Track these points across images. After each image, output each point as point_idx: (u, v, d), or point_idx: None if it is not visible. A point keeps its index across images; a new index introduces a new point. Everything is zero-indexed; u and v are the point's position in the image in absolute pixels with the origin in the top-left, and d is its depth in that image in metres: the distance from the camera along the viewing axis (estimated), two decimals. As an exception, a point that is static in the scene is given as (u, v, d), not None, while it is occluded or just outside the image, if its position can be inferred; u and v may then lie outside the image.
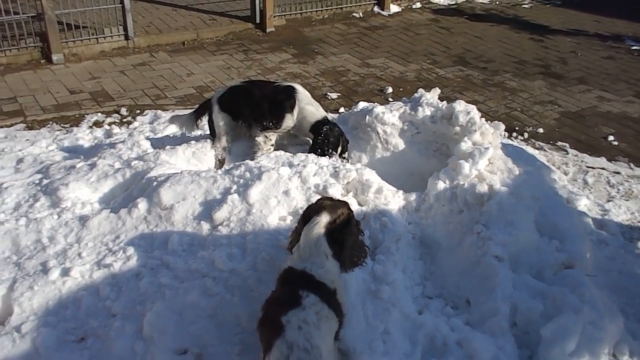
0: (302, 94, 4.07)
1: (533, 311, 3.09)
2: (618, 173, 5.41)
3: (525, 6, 10.74)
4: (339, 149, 4.02)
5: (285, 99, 4.02)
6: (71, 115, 6.19)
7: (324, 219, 2.65)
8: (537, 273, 3.44)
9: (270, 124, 4.04)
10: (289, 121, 4.03)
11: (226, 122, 4.13)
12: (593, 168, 5.49)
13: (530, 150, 5.58)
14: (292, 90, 4.06)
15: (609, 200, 4.90)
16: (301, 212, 3.27)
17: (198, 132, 4.77)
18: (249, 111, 4.09)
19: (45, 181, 3.85)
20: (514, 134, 6.12)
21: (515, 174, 3.85)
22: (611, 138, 6.12)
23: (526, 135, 6.13)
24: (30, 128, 5.89)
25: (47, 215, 3.49)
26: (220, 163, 4.15)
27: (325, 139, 3.95)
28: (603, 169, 5.49)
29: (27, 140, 5.51)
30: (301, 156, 3.70)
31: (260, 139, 4.09)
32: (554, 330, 2.96)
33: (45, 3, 7.11)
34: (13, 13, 7.39)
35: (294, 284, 2.56)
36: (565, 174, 5.36)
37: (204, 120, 4.39)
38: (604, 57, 8.44)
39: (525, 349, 3.03)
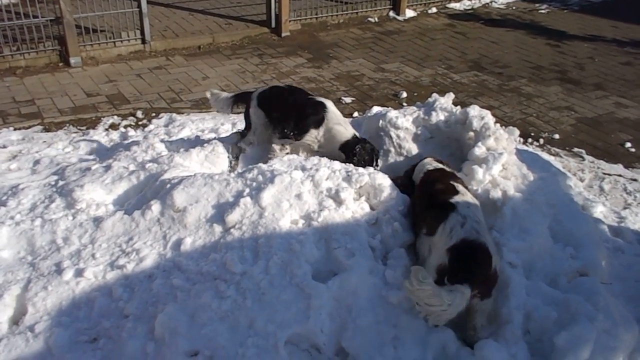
0: (332, 112, 4.02)
1: (547, 319, 3.06)
2: (635, 180, 5.35)
3: (542, 11, 10.67)
4: (374, 164, 4.00)
5: (313, 114, 3.98)
6: (88, 118, 6.26)
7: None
8: (552, 280, 3.40)
9: (292, 134, 4.01)
10: (312, 137, 4.01)
11: (260, 118, 4.13)
12: (609, 175, 5.43)
13: (545, 156, 5.54)
14: (322, 107, 4.01)
15: (625, 208, 4.85)
16: (313, 216, 3.28)
17: (212, 135, 4.79)
18: (277, 114, 4.09)
19: (60, 182, 3.89)
20: (530, 140, 6.08)
21: (530, 180, 3.82)
22: (628, 145, 6.04)
23: (542, 141, 6.08)
24: (47, 130, 5.97)
25: (62, 217, 3.53)
26: (237, 152, 4.16)
27: (361, 159, 3.91)
28: (620, 175, 5.43)
29: (44, 142, 5.59)
30: (314, 160, 3.70)
31: (276, 146, 4.07)
32: (567, 339, 2.92)
33: (64, 7, 7.20)
34: (32, 17, 7.50)
35: (446, 178, 3.41)
36: (581, 180, 5.31)
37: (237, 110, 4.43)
38: (621, 62, 8.36)
39: (538, 357, 2.99)
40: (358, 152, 3.91)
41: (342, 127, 3.99)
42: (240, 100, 4.37)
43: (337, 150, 3.99)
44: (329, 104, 4.06)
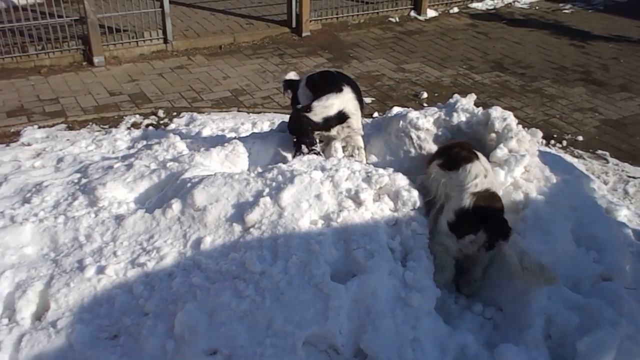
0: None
1: (568, 324, 3.01)
2: (660, 183, 5.25)
3: (566, 11, 10.52)
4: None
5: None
6: (110, 117, 6.34)
7: None
8: (574, 285, 3.35)
9: None
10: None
11: (308, 97, 4.16)
12: (634, 178, 5.34)
13: (568, 158, 5.46)
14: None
15: (651, 211, 4.76)
16: (333, 216, 3.27)
17: (232, 135, 4.81)
18: (320, 93, 4.10)
19: (83, 180, 3.94)
20: (552, 142, 6.00)
21: (553, 182, 3.77)
22: (654, 147, 5.94)
23: (565, 143, 6.00)
24: (70, 128, 6.05)
25: (84, 214, 3.57)
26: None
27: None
28: (645, 179, 5.33)
29: (68, 140, 5.66)
30: (333, 160, 3.69)
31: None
32: (590, 344, 2.88)
33: (88, 7, 7.30)
34: (57, 16, 7.60)
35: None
36: (605, 183, 5.23)
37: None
38: (647, 63, 8.21)
39: (559, 362, 2.95)
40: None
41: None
42: (289, 86, 4.46)
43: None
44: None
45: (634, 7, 10.70)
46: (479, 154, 3.46)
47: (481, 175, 3.24)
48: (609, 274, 3.42)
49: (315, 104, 3.93)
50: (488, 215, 3.11)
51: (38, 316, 3.06)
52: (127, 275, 3.15)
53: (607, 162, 5.65)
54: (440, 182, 3.39)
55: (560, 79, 7.65)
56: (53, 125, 6.09)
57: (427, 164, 3.57)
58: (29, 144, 5.52)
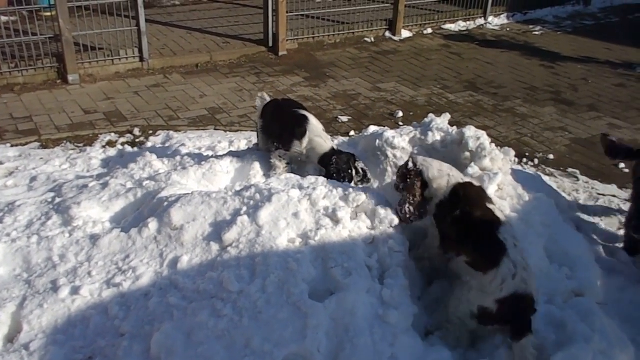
0: (314, 125, 4.12)
1: (543, 339, 3.06)
2: (629, 201, 5.37)
3: (537, 33, 10.80)
4: (354, 175, 4.00)
5: (297, 126, 4.10)
6: (85, 135, 6.27)
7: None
8: (547, 301, 3.41)
9: (281, 145, 4.13)
10: (297, 148, 4.11)
11: (260, 126, 4.41)
12: (604, 195, 5.46)
13: (540, 176, 5.57)
14: (304, 120, 4.13)
15: (619, 228, 4.87)
16: (310, 234, 3.29)
17: (209, 153, 4.80)
18: (266, 125, 4.32)
19: (57, 200, 3.89)
20: (525, 160, 6.12)
21: (525, 200, 3.85)
22: (622, 165, 6.08)
23: (536, 161, 6.12)
24: (44, 147, 5.97)
25: (58, 234, 3.52)
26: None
27: (336, 170, 3.98)
28: (614, 196, 5.46)
29: (41, 159, 5.58)
30: (311, 179, 3.72)
31: (273, 159, 4.16)
32: (564, 359, 2.93)
33: (62, 25, 7.25)
34: (31, 34, 7.54)
35: (479, 199, 3.11)
36: (576, 200, 5.34)
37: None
38: (615, 84, 8.46)
39: (534, 377, 2.99)
40: (334, 162, 3.98)
41: (322, 140, 4.09)
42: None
43: (316, 162, 4.10)
44: (311, 117, 4.19)
45: (601, 29, 11.05)
46: (501, 227, 3.06)
47: (509, 278, 2.95)
48: (581, 289, 3.50)
49: None
50: (512, 317, 2.99)
51: (10, 338, 2.99)
52: (103, 296, 3.11)
53: (578, 180, 5.78)
54: (466, 273, 3.14)
55: (531, 99, 7.83)
56: (26, 144, 6.00)
57: (443, 247, 3.28)
58: (1, 163, 5.43)
